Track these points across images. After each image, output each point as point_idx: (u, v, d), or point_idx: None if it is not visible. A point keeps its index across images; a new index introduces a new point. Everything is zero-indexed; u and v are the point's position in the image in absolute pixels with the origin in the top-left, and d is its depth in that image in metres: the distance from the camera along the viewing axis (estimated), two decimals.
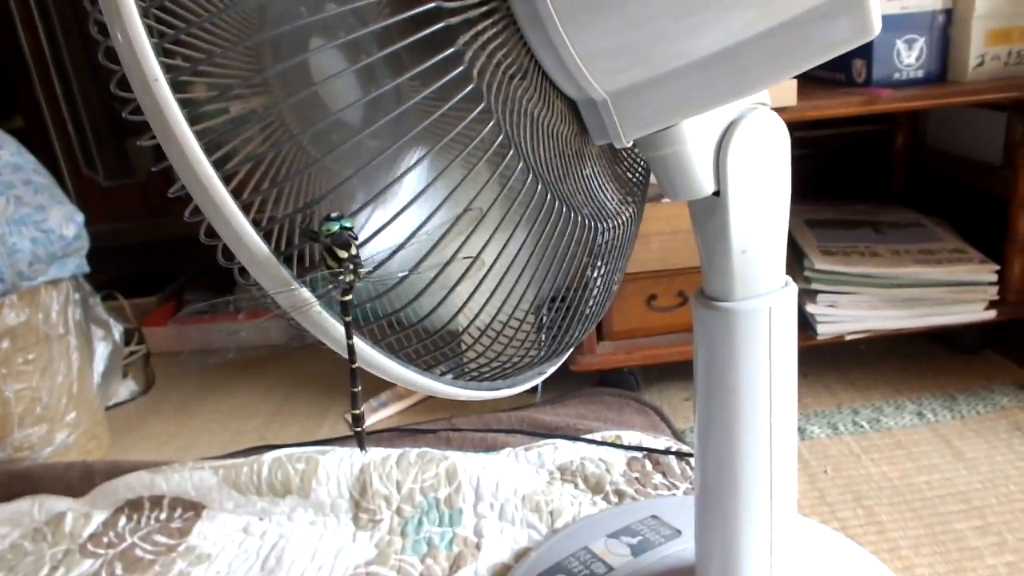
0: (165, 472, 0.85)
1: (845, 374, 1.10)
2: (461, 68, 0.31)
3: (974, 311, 1.03)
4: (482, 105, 0.32)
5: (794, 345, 0.45)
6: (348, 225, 0.33)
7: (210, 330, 1.37)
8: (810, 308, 1.01)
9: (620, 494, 0.80)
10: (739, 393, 0.45)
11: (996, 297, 1.03)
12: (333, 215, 0.34)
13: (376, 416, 1.12)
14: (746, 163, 0.39)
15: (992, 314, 1.03)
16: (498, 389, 0.44)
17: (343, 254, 0.33)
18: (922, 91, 0.97)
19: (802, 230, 1.12)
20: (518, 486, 0.79)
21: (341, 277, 0.33)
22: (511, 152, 0.34)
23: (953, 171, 1.26)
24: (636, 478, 0.83)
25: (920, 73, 1.01)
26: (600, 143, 0.40)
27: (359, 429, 0.40)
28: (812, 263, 1.01)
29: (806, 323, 1.03)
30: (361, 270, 0.34)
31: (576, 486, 0.82)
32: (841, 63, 1.06)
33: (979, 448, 0.92)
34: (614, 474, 0.81)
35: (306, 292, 0.33)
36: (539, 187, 0.36)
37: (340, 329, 0.35)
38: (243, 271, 0.33)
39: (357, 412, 0.39)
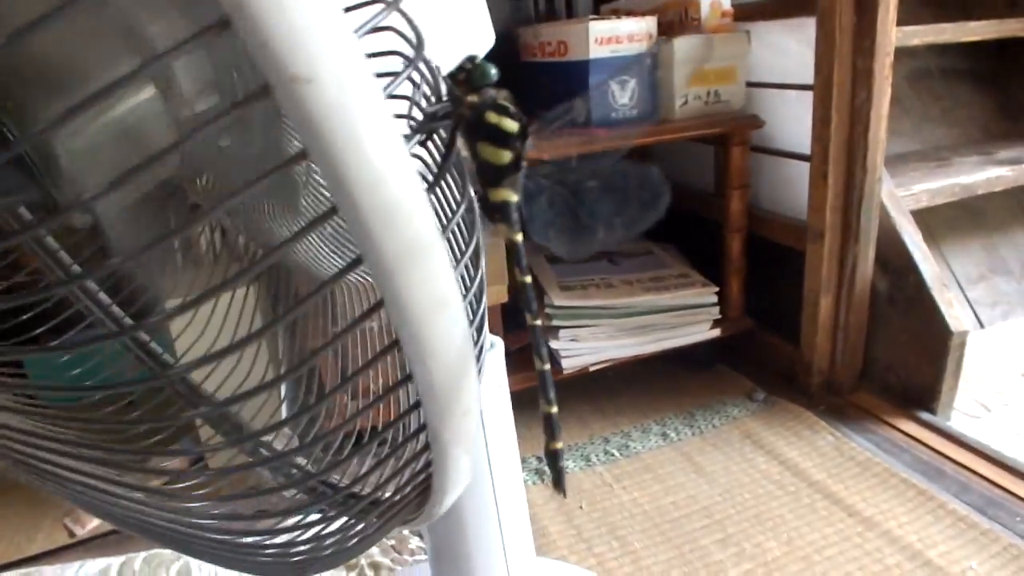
0: None
1: (595, 404, 1.13)
2: None
3: (701, 331, 1.10)
4: None
5: (506, 400, 0.42)
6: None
7: None
8: (554, 344, 1.02)
9: (376, 567, 0.74)
10: None
11: (719, 316, 1.11)
12: None
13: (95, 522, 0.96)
14: None
15: (717, 332, 1.11)
16: None
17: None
18: (635, 129, 1.03)
19: (543, 268, 1.14)
20: None
21: None
22: None
23: (677, 199, 1.36)
24: (392, 546, 0.77)
25: (634, 112, 1.07)
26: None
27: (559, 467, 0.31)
28: (552, 300, 1.02)
29: (553, 359, 1.04)
30: None
31: None
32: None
33: (717, 461, 0.97)
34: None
35: None
36: None
37: None
38: None
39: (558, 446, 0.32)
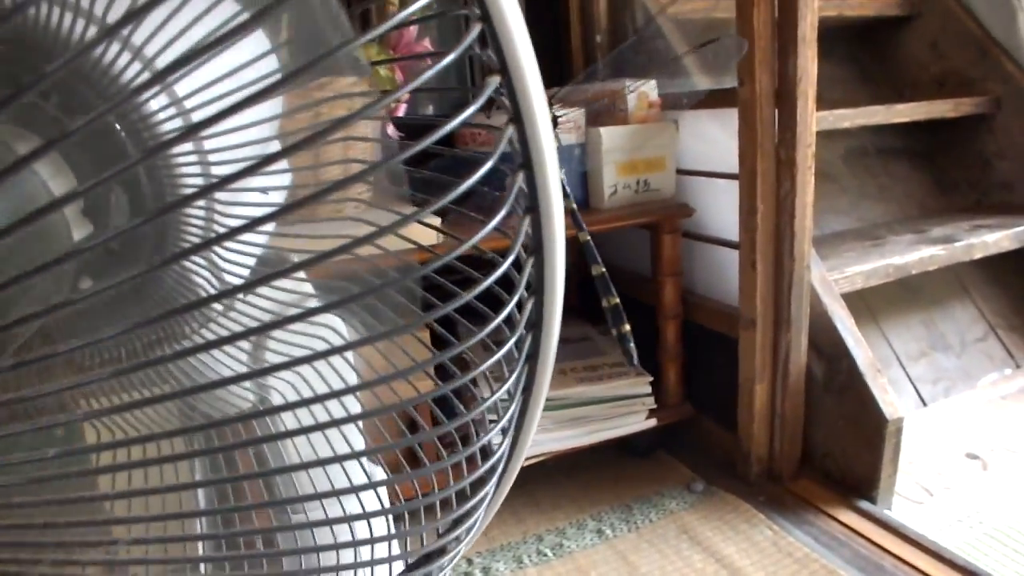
0: None
1: (532, 497, 1.09)
2: None
3: (637, 421, 1.08)
4: None
5: None
6: None
7: None
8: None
9: None
10: None
11: (655, 406, 1.09)
12: None
13: None
14: None
15: (653, 422, 1.09)
16: None
17: None
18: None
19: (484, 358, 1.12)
20: None
21: None
22: None
23: (615, 282, 1.35)
24: None
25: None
26: None
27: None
28: (483, 393, 1.00)
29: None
30: None
31: None
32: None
33: (652, 560, 0.94)
34: None
35: None
36: None
37: None
38: None
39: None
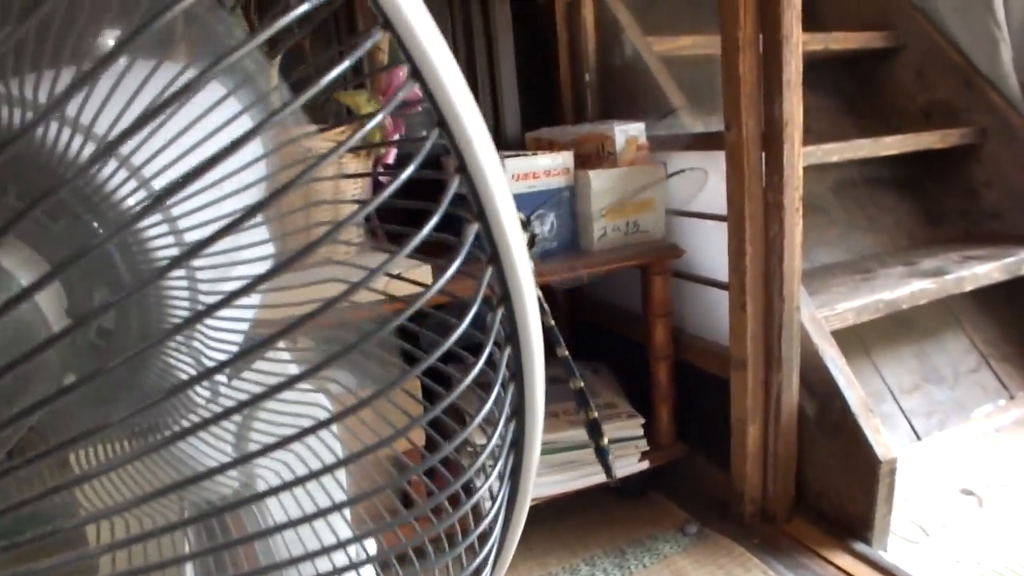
0: None
1: (525, 541, 1.08)
2: None
3: (630, 464, 1.08)
4: None
5: None
6: None
7: None
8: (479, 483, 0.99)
9: None
10: None
11: (647, 447, 1.09)
12: None
13: None
14: None
15: (645, 464, 1.09)
16: None
17: None
18: (553, 264, 1.02)
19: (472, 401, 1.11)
20: None
21: None
22: None
23: (605, 320, 1.36)
24: None
25: (555, 244, 1.07)
26: None
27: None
28: (474, 438, 1.00)
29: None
30: None
31: None
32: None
33: None
34: None
35: None
36: None
37: None
38: None
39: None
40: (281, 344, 0.48)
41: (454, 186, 0.27)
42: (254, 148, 0.41)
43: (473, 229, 0.28)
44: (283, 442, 0.26)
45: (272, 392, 0.26)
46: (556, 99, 1.41)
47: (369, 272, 0.26)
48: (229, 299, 0.23)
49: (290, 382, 0.26)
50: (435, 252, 0.31)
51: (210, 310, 0.23)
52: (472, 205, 0.28)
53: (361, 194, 0.91)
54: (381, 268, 0.26)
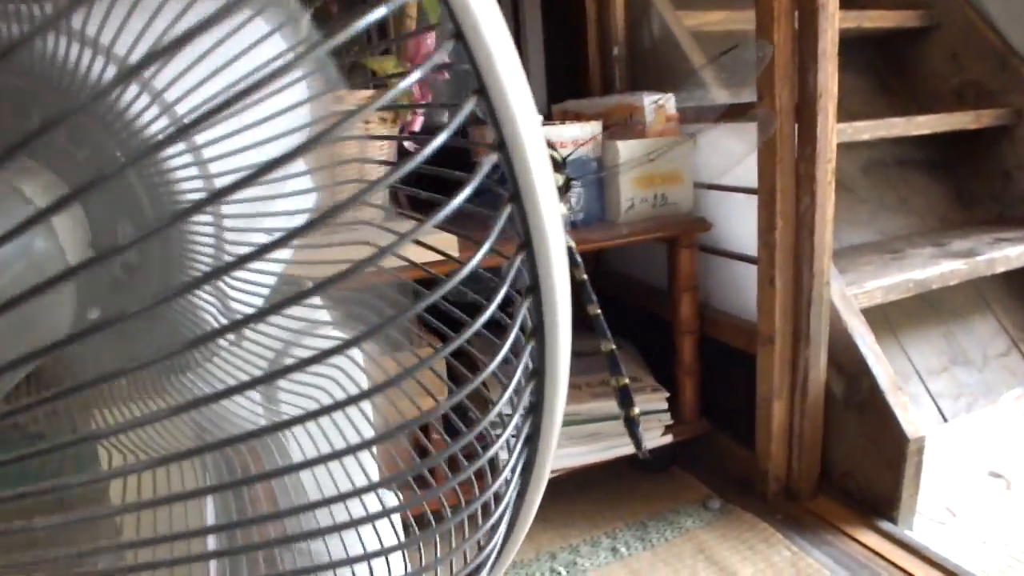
0: None
1: (544, 513, 1.07)
2: None
3: (653, 437, 1.07)
4: None
5: None
6: None
7: None
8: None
9: None
10: None
11: (671, 422, 1.08)
12: None
13: None
14: None
15: (669, 438, 1.08)
16: None
17: None
18: (581, 234, 1.01)
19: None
20: None
21: None
22: None
23: (632, 296, 1.35)
24: None
25: (581, 216, 1.06)
26: None
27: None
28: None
29: None
30: None
31: None
32: None
33: None
34: None
35: None
36: None
37: None
38: None
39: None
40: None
41: (490, 161, 0.25)
42: (293, 93, 0.40)
43: (506, 211, 0.26)
44: (321, 412, 0.25)
45: (302, 365, 0.25)
46: (584, 74, 1.40)
47: (399, 237, 0.25)
48: (260, 252, 0.22)
49: (320, 356, 0.24)
50: (455, 219, 0.29)
51: (241, 261, 0.22)
52: (508, 184, 0.25)
53: (387, 159, 0.90)
54: (411, 235, 0.24)
